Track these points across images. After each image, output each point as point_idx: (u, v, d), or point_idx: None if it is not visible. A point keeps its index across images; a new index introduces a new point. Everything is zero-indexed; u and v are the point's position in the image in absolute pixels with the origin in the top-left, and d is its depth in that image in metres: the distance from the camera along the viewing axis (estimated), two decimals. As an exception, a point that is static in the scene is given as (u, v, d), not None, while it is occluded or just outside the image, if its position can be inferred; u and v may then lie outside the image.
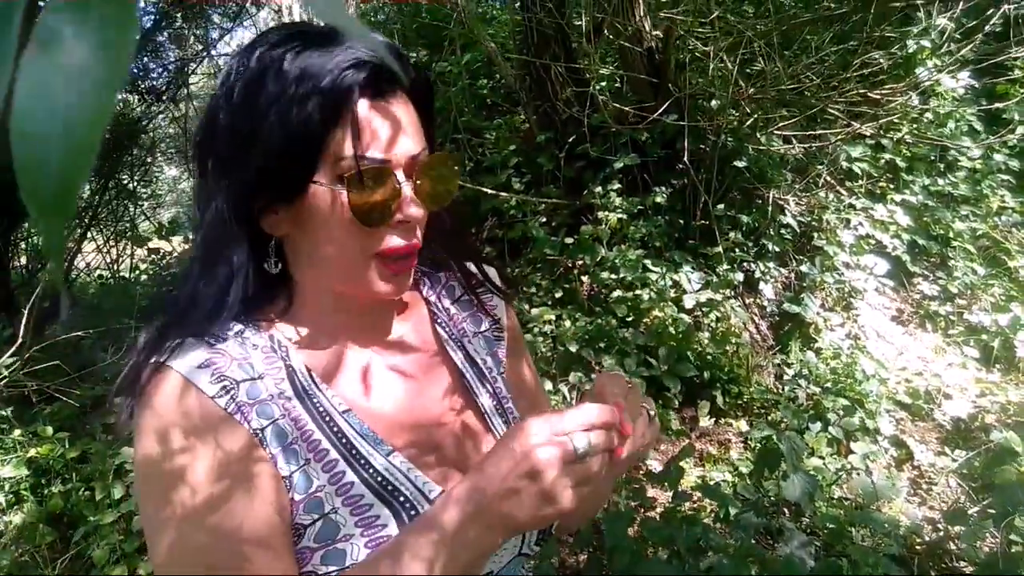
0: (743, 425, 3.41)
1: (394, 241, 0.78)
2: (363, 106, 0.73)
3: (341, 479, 0.75)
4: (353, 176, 0.73)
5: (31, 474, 3.18)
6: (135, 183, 7.78)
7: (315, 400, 0.78)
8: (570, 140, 4.50)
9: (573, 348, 3.52)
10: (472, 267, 0.98)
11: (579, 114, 4.23)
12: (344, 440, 0.77)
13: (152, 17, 7.83)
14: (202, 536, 0.68)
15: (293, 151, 0.73)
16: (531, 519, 0.67)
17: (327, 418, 0.78)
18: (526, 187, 4.46)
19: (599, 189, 4.14)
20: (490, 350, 0.97)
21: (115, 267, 7.07)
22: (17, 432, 3.20)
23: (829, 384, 3.47)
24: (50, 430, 3.26)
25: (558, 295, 3.97)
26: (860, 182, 4.36)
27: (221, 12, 8.36)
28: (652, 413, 0.83)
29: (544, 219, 4.28)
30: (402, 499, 0.75)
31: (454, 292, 0.99)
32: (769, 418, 3.39)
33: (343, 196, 0.74)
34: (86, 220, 7.14)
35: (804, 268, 4.00)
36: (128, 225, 7.40)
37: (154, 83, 7.91)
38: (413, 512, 0.75)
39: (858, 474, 3.06)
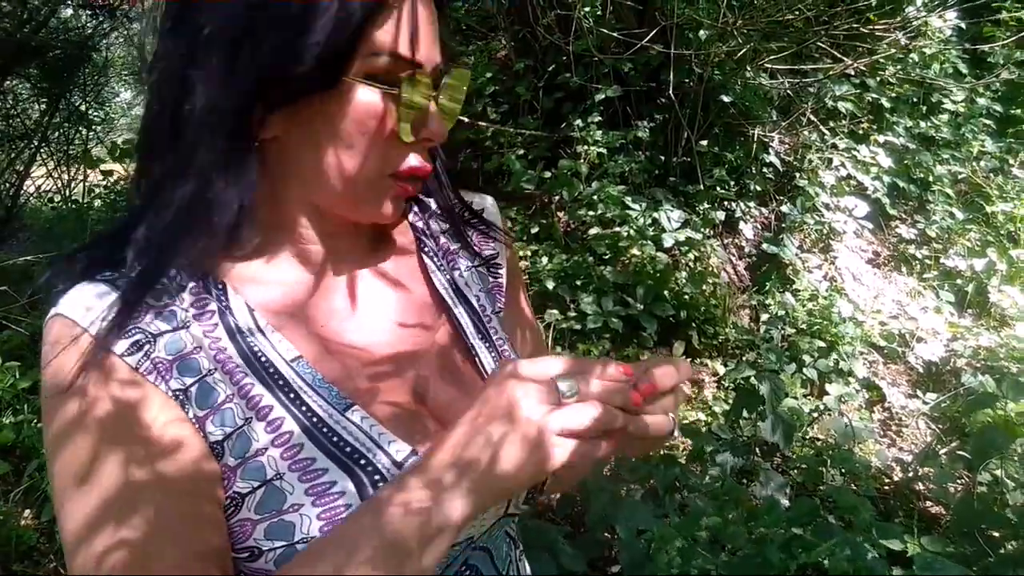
0: (718, 365, 3.38)
1: (414, 161, 0.67)
2: None
3: (288, 440, 0.61)
4: (392, 75, 0.62)
5: (-22, 405, 3.03)
6: (87, 104, 7.40)
7: (255, 348, 0.64)
8: (550, 69, 4.32)
9: (550, 285, 3.43)
10: (465, 193, 0.85)
11: (560, 41, 4.04)
12: (291, 394, 0.63)
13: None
14: (110, 522, 0.56)
15: (327, 31, 0.58)
16: (515, 475, 0.54)
17: (270, 368, 0.64)
18: (502, 117, 4.30)
19: (579, 122, 3.99)
20: (484, 285, 0.83)
21: (67, 192, 6.76)
22: (-37, 362, 3.03)
23: (805, 326, 3.44)
24: (0, 359, 3.10)
25: (534, 231, 3.86)
26: (844, 122, 4.27)
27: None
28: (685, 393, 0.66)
29: (521, 151, 4.13)
30: (363, 462, 0.62)
31: (444, 221, 0.84)
32: (744, 359, 3.36)
33: (378, 100, 0.62)
34: (35, 142, 6.79)
35: (785, 209, 3.95)
36: (80, 149, 7.05)
37: (107, -2, 7.45)
38: (377, 477, 0.61)
39: (831, 415, 3.06)
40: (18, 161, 6.85)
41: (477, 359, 0.75)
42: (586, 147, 3.87)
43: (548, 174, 3.95)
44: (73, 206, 5.97)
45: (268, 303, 0.68)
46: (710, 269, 3.75)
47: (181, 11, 0.63)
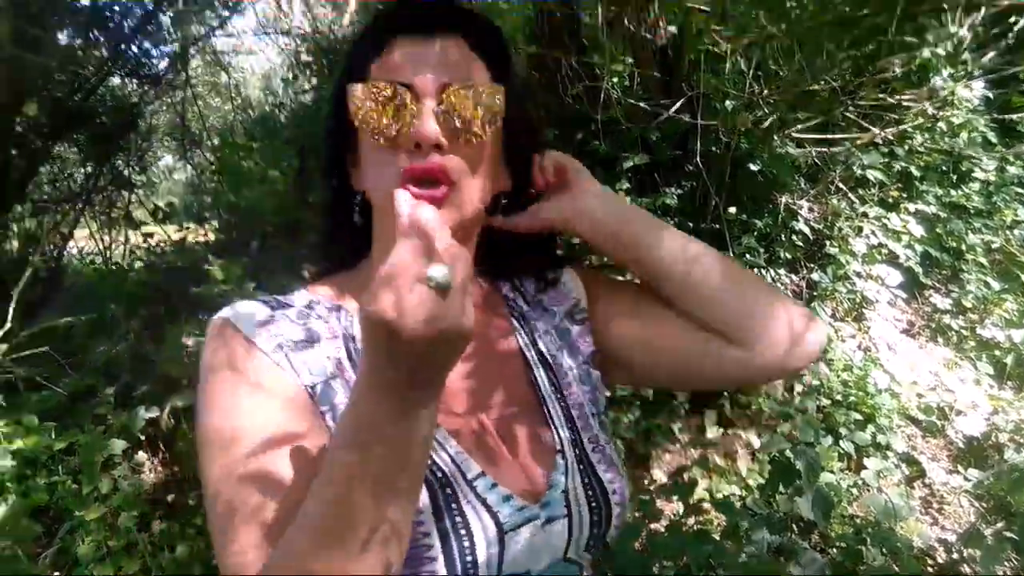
0: (752, 436, 3.32)
1: (409, 162, 0.77)
2: (397, 43, 0.80)
3: None
4: (363, 91, 0.78)
5: (16, 465, 3.05)
6: (130, 169, 7.65)
7: None
8: (578, 137, 4.39)
9: (578, 352, 3.42)
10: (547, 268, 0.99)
11: (589, 111, 4.12)
12: None
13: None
14: (251, 481, 0.67)
15: (344, 87, 0.81)
16: (399, 353, 0.58)
17: None
18: (533, 185, 4.34)
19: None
20: (565, 343, 0.94)
21: (108, 253, 6.93)
22: (2, 422, 3.07)
23: (840, 397, 3.38)
24: (36, 420, 3.14)
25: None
26: (873, 190, 4.27)
27: (221, -1, 8.23)
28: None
29: (551, 218, 4.16)
30: (439, 475, 0.74)
31: (528, 292, 0.98)
32: (779, 430, 3.29)
33: (361, 113, 0.78)
34: (78, 205, 7.01)
35: (816, 276, 3.91)
36: (122, 211, 7.26)
37: (153, 68, 7.77)
38: (449, 489, 0.73)
39: (870, 491, 2.97)
40: (63, 223, 7.06)
41: (546, 407, 0.87)
42: (615, 214, 3.89)
43: (577, 241, 3.96)
44: (113, 267, 6.11)
45: None
46: (741, 337, 3.71)
47: None
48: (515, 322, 0.93)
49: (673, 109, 3.95)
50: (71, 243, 7.21)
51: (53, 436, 3.12)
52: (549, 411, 0.87)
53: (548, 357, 0.91)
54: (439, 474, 0.74)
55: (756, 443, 3.26)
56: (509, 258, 0.96)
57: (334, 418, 0.74)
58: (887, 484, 3.00)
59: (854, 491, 2.95)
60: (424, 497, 0.71)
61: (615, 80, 4.70)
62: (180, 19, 8.85)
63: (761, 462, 3.16)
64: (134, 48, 7.41)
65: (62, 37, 6.54)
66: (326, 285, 0.88)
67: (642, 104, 4.14)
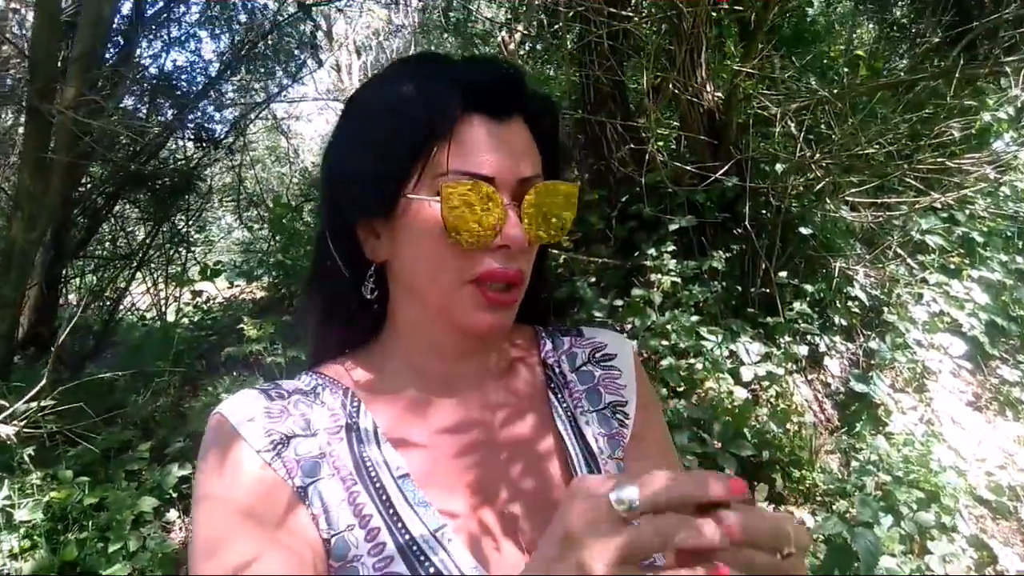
0: (805, 514, 3.12)
1: (492, 265, 0.72)
2: (470, 123, 0.71)
3: (381, 551, 0.67)
4: (449, 188, 0.69)
5: (47, 519, 3.04)
6: (188, 228, 7.88)
7: (369, 463, 0.72)
8: (623, 199, 4.35)
9: (621, 418, 3.29)
10: (599, 335, 0.90)
11: (634, 173, 4.08)
12: (391, 509, 0.69)
13: (217, 67, 8.07)
14: None
15: (389, 158, 0.71)
16: None
17: (377, 484, 0.71)
18: (575, 245, 4.31)
19: (652, 251, 3.96)
20: (607, 430, 0.84)
21: (161, 309, 7.08)
22: (36, 474, 3.07)
23: (901, 473, 3.16)
24: (70, 474, 3.13)
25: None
26: (933, 255, 4.10)
27: (284, 67, 8.57)
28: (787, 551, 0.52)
29: (593, 279, 4.10)
30: (435, 574, 0.66)
31: (576, 360, 0.88)
32: (834, 507, 3.09)
33: (437, 210, 0.70)
34: (134, 262, 7.22)
35: (873, 344, 3.73)
36: (179, 269, 7.45)
37: (214, 132, 8.08)
38: None
39: (936, 579, 2.74)
40: (120, 279, 7.27)
41: None
42: (659, 276, 3.81)
43: (620, 303, 3.88)
44: (163, 323, 6.21)
45: (391, 417, 0.76)
46: (794, 407, 3.54)
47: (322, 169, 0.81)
48: (552, 393, 0.83)
49: (721, 172, 3.89)
50: (128, 299, 7.40)
51: (85, 491, 3.10)
52: None
53: (590, 439, 0.81)
54: (432, 571, 0.66)
55: (810, 521, 3.05)
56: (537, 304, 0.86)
57: (327, 522, 0.68)
58: (955, 571, 2.76)
59: (918, 579, 2.71)
60: None
61: (660, 143, 4.68)
62: (242, 88, 9.26)
63: (816, 543, 2.95)
64: (196, 113, 7.74)
65: (128, 102, 6.87)
66: (334, 365, 0.81)
67: (688, 167, 4.09)
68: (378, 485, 0.70)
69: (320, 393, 0.77)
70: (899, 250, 4.04)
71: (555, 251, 4.12)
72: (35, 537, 3.00)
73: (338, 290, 0.79)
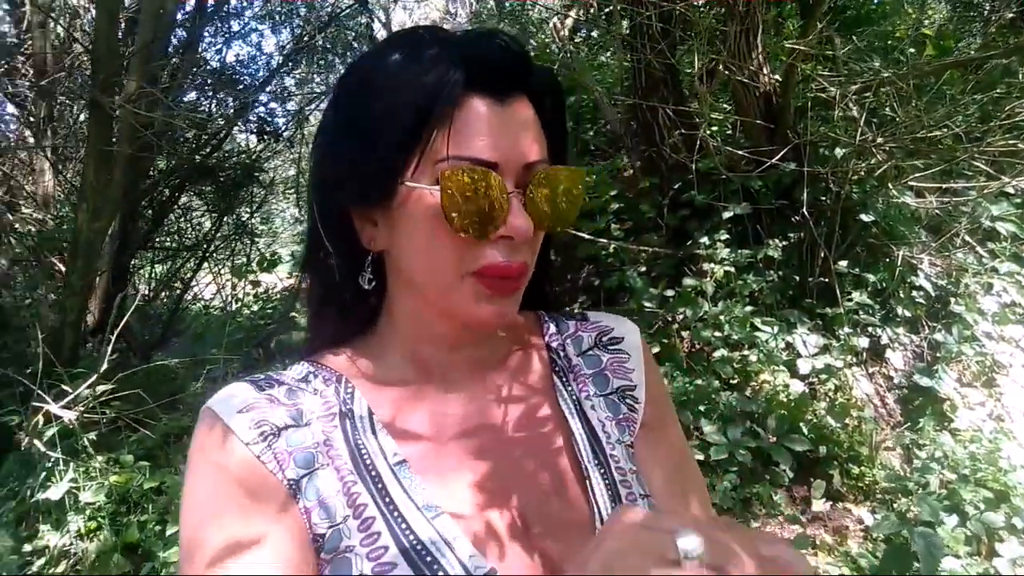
0: (864, 512, 3.01)
1: (495, 257, 0.68)
2: (470, 104, 0.66)
3: (375, 541, 0.64)
4: (448, 175, 0.65)
5: (110, 501, 3.15)
6: (251, 219, 8.07)
7: (364, 450, 0.69)
8: (675, 187, 4.26)
9: (670, 410, 3.22)
10: (604, 319, 0.87)
11: (687, 159, 3.99)
12: (387, 498, 0.67)
13: (278, 60, 8.23)
14: None
15: (385, 144, 0.67)
16: None
17: (372, 471, 0.68)
18: (626, 234, 4.24)
19: (705, 239, 3.86)
20: (615, 415, 0.81)
21: (224, 299, 7.28)
22: (100, 459, 3.19)
23: (967, 471, 3.01)
24: (131, 459, 3.24)
25: (655, 351, 3.69)
26: (1004, 243, 3.89)
27: (342, 59, 8.68)
28: None
29: (643, 268, 4.03)
30: (436, 568, 0.63)
31: (581, 343, 0.85)
32: (895, 506, 2.97)
33: (436, 198, 0.66)
34: (200, 253, 7.44)
35: (939, 337, 3.57)
36: (244, 259, 7.65)
37: (275, 124, 8.26)
38: None
39: (1005, 582, 2.61)
40: (186, 269, 7.51)
41: (588, 483, 0.74)
42: (712, 265, 3.72)
43: (671, 292, 3.81)
44: (224, 313, 6.39)
45: (386, 404, 0.74)
46: (853, 401, 3.41)
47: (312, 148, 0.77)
48: (557, 377, 0.81)
49: (777, 157, 3.76)
50: (195, 288, 7.64)
51: (146, 475, 3.21)
52: (592, 487, 0.73)
53: (595, 423, 0.79)
54: (440, 573, 0.64)
55: (869, 520, 2.94)
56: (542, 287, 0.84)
57: (320, 515, 0.66)
58: (1025, 575, 2.62)
59: (984, 582, 2.59)
60: None
61: (715, 128, 4.56)
62: (302, 81, 9.43)
63: (875, 542, 2.84)
64: (258, 106, 7.91)
65: (191, 96, 7.06)
66: (329, 355, 0.78)
67: (742, 152, 3.98)
68: (374, 474, 0.68)
69: (312, 381, 0.74)
70: (967, 237, 3.84)
71: (604, 240, 4.06)
72: (99, 519, 3.11)
73: (333, 280, 0.75)
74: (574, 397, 0.80)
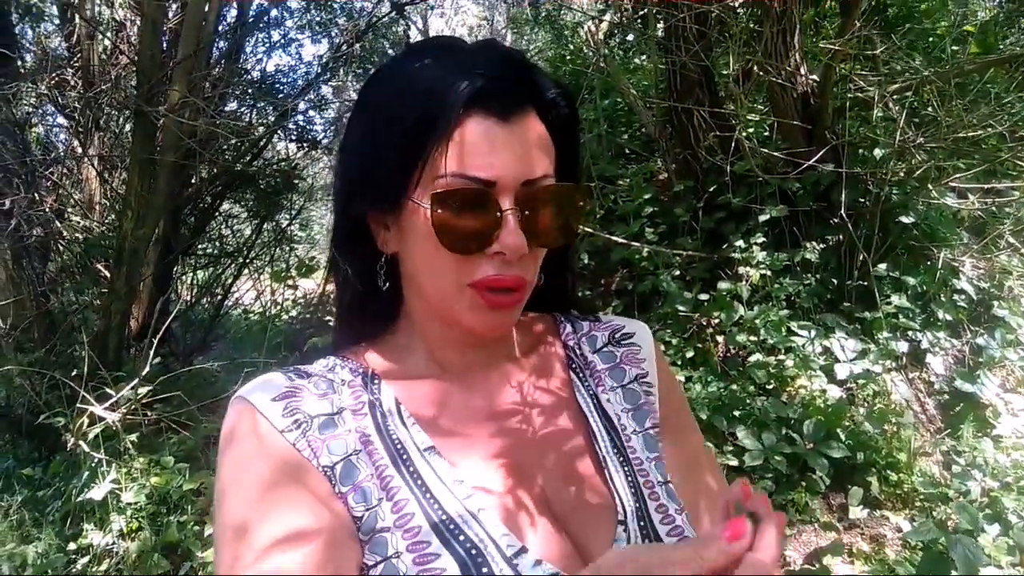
0: (902, 519, 2.94)
1: (489, 271, 0.70)
2: (471, 121, 0.68)
3: (408, 521, 0.67)
4: (440, 195, 0.68)
5: (150, 502, 3.23)
6: (291, 225, 8.20)
7: (394, 436, 0.72)
8: (710, 190, 4.23)
9: (703, 415, 3.20)
10: (616, 320, 0.91)
11: (722, 162, 3.95)
12: (419, 480, 0.69)
13: (316, 69, 8.36)
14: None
15: (392, 158, 0.70)
16: None
17: (404, 456, 0.71)
18: (660, 238, 4.21)
19: (740, 242, 3.82)
20: (631, 405, 0.84)
21: (264, 304, 7.40)
22: (141, 460, 3.27)
23: (1010, 479, 2.93)
24: (172, 460, 3.32)
25: (689, 355, 3.66)
26: (1052, 245, 3.78)
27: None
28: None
29: (677, 272, 4.00)
30: (474, 552, 0.65)
31: (596, 342, 0.88)
32: (934, 514, 2.90)
33: (429, 216, 0.68)
34: (240, 259, 7.58)
35: (981, 341, 3.48)
36: (284, 265, 7.78)
37: (314, 132, 8.39)
38: (485, 568, 0.64)
39: (1051, 595, 2.53)
40: (226, 275, 7.66)
41: (607, 473, 0.76)
42: (748, 269, 3.68)
43: (705, 296, 3.77)
44: (264, 317, 6.50)
45: (412, 396, 0.76)
46: (892, 406, 3.34)
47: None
48: (574, 374, 0.84)
49: (815, 159, 3.71)
50: (235, 294, 7.79)
51: (185, 476, 3.28)
52: (610, 475, 0.76)
53: (612, 416, 0.81)
54: (473, 551, 0.65)
55: (907, 527, 2.88)
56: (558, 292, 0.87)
57: (357, 499, 0.67)
58: (1072, 587, 2.54)
59: (1029, 594, 2.51)
60: (454, 569, 0.63)
61: (751, 130, 4.52)
62: (339, 89, 9.57)
63: (913, 550, 2.78)
64: (297, 115, 8.04)
65: (232, 105, 7.21)
66: (354, 350, 0.81)
67: (779, 154, 3.93)
68: (405, 458, 0.70)
69: (339, 372, 0.77)
70: (1011, 239, 3.74)
71: (637, 244, 4.04)
72: (140, 519, 3.20)
73: (353, 280, 0.79)
74: (591, 392, 0.83)
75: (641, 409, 0.84)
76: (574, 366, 0.85)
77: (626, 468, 0.78)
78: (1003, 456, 3.04)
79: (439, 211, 0.67)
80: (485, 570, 0.64)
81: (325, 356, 0.79)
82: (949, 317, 3.56)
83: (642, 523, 0.74)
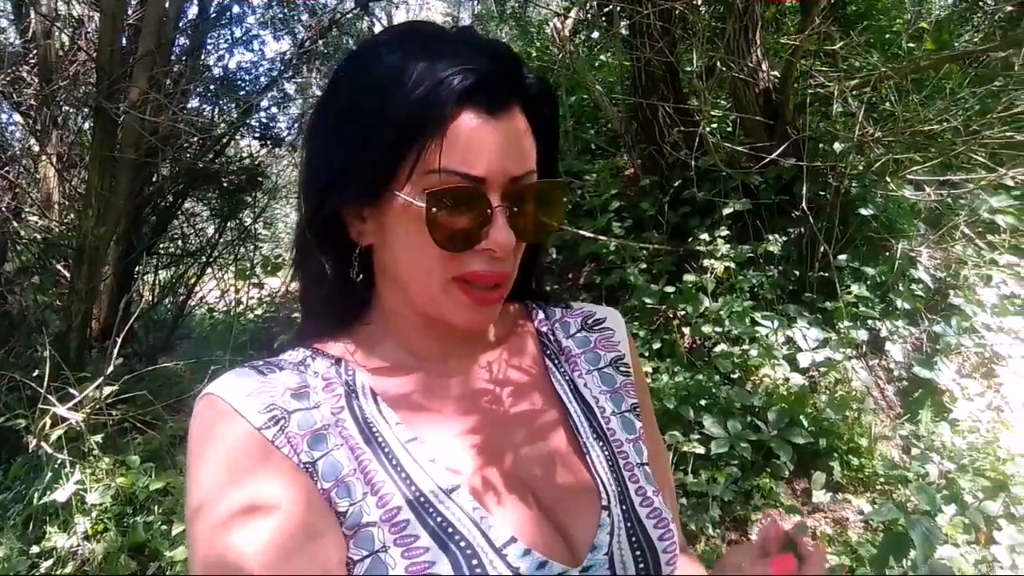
0: (864, 502, 3.02)
1: (476, 266, 0.70)
2: (462, 118, 0.67)
3: (395, 516, 0.65)
4: (436, 192, 0.67)
5: (116, 503, 3.19)
6: (255, 224, 8.10)
7: (374, 428, 0.70)
8: (676, 184, 4.28)
9: (670, 405, 3.24)
10: (588, 307, 0.92)
11: (687, 157, 4.01)
12: (403, 473, 0.68)
13: (279, 66, 8.28)
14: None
15: (377, 150, 0.68)
16: None
17: (386, 448, 0.69)
18: (627, 232, 4.26)
19: (705, 236, 3.88)
20: (608, 388, 0.85)
21: (228, 303, 7.31)
22: (106, 460, 3.22)
23: (966, 461, 3.03)
24: (137, 460, 3.27)
25: (656, 346, 3.71)
26: (1004, 235, 3.90)
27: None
28: None
29: (644, 265, 4.05)
30: (463, 544, 0.65)
31: (569, 328, 0.89)
32: (895, 496, 2.98)
33: (423, 213, 0.67)
34: (204, 258, 7.47)
35: (938, 329, 3.58)
36: (248, 264, 7.68)
37: (277, 130, 8.30)
38: (475, 561, 0.64)
39: (1002, 568, 2.62)
40: (190, 274, 7.55)
41: (589, 458, 0.77)
42: (712, 261, 3.74)
43: (672, 289, 3.82)
44: (229, 316, 6.42)
45: (389, 389, 0.74)
46: (853, 393, 3.42)
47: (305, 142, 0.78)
48: (549, 360, 0.85)
49: (777, 153, 3.78)
50: (199, 293, 7.68)
51: (152, 476, 3.24)
52: (592, 460, 0.77)
53: (590, 400, 0.82)
54: (462, 543, 0.65)
55: (869, 510, 2.96)
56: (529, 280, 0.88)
57: (340, 495, 0.65)
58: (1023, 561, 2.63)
59: (983, 568, 2.60)
60: (447, 567, 0.63)
61: (715, 125, 4.58)
62: (303, 87, 9.48)
63: (874, 531, 2.86)
64: (260, 112, 7.94)
65: (194, 103, 7.11)
66: (324, 342, 0.78)
67: (742, 148, 4.00)
68: (387, 451, 0.69)
69: (311, 364, 0.75)
70: (966, 230, 3.85)
71: (604, 238, 4.08)
72: (106, 520, 3.15)
73: (323, 271, 0.75)
74: (567, 378, 0.84)
75: (618, 392, 0.85)
76: (549, 352, 0.85)
77: (606, 451, 0.79)
78: (959, 439, 3.13)
79: (433, 208, 0.66)
80: (475, 561, 0.64)
81: (294, 349, 0.77)
82: (907, 306, 3.65)
83: (624, 507, 0.75)
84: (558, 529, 0.71)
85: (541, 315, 0.89)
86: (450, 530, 0.65)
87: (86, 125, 6.09)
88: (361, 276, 0.78)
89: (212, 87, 7.42)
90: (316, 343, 0.78)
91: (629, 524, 0.73)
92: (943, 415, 3.30)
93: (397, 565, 0.63)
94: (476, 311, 0.72)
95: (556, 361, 0.85)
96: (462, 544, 0.65)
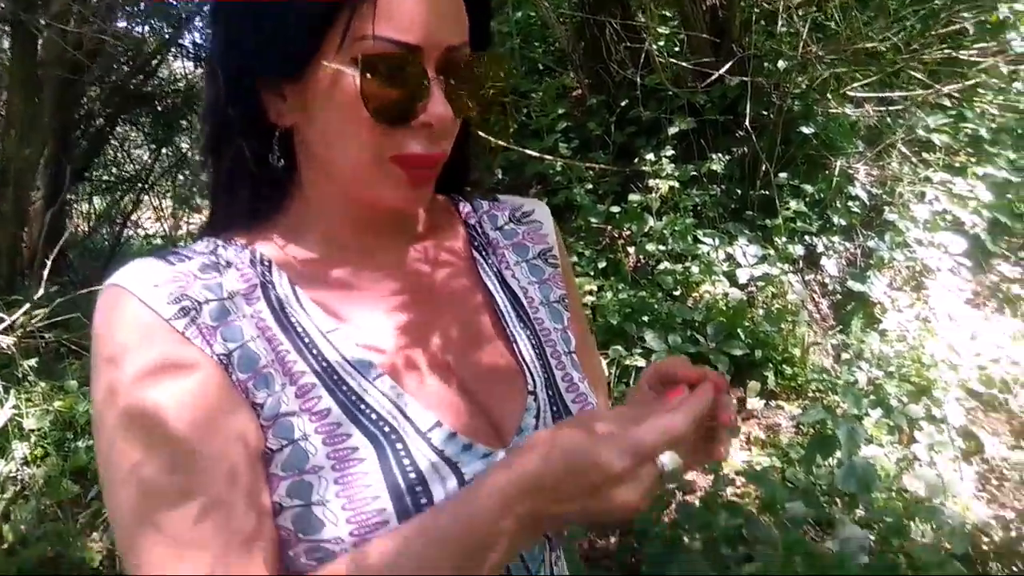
0: (796, 409, 3.16)
1: (414, 147, 0.66)
2: None
3: (316, 405, 0.64)
4: (370, 59, 0.62)
5: (55, 428, 3.14)
6: (192, 150, 7.82)
7: (293, 319, 0.67)
8: (622, 104, 4.26)
9: (614, 321, 3.31)
10: (515, 199, 0.90)
11: (633, 75, 3.98)
12: (324, 363, 0.66)
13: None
14: (166, 483, 0.58)
15: (304, 16, 0.62)
16: (583, 520, 0.61)
17: (306, 339, 0.67)
18: (573, 152, 4.24)
19: (651, 155, 3.89)
20: (537, 279, 0.85)
21: (167, 230, 7.12)
22: (43, 385, 3.16)
23: (893, 368, 3.18)
24: (75, 384, 3.21)
25: (602, 265, 3.75)
26: (938, 154, 4.01)
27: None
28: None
29: (591, 186, 4.06)
30: (387, 429, 0.64)
31: (497, 220, 0.87)
32: (825, 402, 3.12)
33: (356, 82, 0.62)
34: (138, 185, 7.22)
35: (872, 244, 3.69)
36: (186, 191, 7.45)
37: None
38: (399, 444, 0.63)
39: (921, 465, 2.79)
40: (126, 201, 7.30)
41: (516, 344, 0.77)
42: (657, 181, 3.76)
43: (617, 209, 3.85)
44: (162, 243, 6.27)
45: (309, 278, 0.71)
46: (789, 307, 3.54)
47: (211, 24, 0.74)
48: (476, 251, 0.83)
49: (722, 71, 3.78)
50: (137, 221, 7.45)
51: (90, 401, 3.19)
52: (518, 347, 0.77)
53: (517, 290, 0.82)
54: (386, 428, 0.64)
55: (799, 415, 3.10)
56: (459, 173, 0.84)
57: (258, 385, 0.63)
58: (941, 459, 2.80)
59: (903, 465, 2.76)
60: (371, 452, 0.62)
61: (662, 43, 4.54)
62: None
63: (804, 435, 3.00)
64: (199, 36, 7.56)
65: (121, 24, 6.72)
66: (237, 232, 0.72)
67: (688, 65, 3.99)
68: (307, 341, 0.67)
69: (223, 254, 0.69)
70: (903, 148, 3.95)
71: (551, 158, 4.06)
72: (45, 445, 3.11)
73: (237, 156, 0.69)
74: (495, 269, 0.83)
75: (546, 283, 0.85)
76: (476, 244, 0.84)
77: (533, 340, 0.78)
78: (887, 348, 3.28)
79: (368, 76, 0.62)
80: (399, 446, 0.63)
81: (202, 239, 0.71)
82: (843, 222, 3.76)
83: (550, 392, 0.75)
84: (483, 412, 0.71)
85: (468, 208, 0.87)
86: (374, 417, 0.64)
87: (5, 43, 5.73)
88: (283, 162, 0.72)
89: (141, 5, 7.02)
90: (230, 232, 0.72)
91: (555, 408, 0.74)
92: (873, 326, 3.44)
93: (318, 452, 0.62)
94: (413, 191, 0.69)
95: (484, 253, 0.83)
96: (387, 430, 0.64)
